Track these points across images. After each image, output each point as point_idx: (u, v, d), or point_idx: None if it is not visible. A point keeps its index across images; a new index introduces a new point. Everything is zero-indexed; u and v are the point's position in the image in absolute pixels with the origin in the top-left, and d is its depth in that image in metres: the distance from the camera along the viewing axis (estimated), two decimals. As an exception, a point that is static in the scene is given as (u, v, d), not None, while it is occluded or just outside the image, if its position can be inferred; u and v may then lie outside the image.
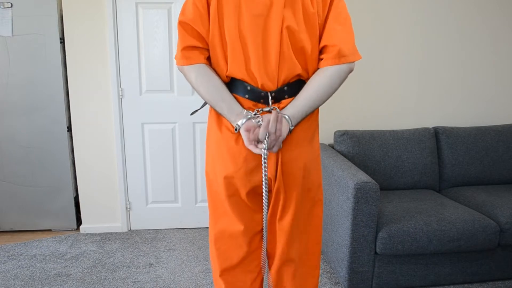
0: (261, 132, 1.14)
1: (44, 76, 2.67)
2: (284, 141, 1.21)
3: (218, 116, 1.28)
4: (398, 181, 2.51)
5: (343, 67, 1.18)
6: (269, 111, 1.20)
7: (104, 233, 2.86)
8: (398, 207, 2.17)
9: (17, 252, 2.55)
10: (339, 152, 2.51)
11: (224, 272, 1.36)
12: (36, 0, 2.57)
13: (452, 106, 2.89)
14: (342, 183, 2.03)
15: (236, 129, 1.18)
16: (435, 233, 1.99)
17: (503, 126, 2.68)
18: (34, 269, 2.34)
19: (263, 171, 1.18)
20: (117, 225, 2.89)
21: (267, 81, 1.19)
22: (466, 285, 2.16)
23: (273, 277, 1.39)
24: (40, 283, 2.19)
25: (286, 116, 1.17)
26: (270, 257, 1.40)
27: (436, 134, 2.62)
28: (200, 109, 1.46)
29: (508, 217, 2.08)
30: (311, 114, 1.26)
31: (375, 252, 2.02)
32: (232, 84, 1.24)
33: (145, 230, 2.93)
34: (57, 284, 2.17)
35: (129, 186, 2.87)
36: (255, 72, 1.19)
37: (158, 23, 2.67)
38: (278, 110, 1.19)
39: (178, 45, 1.23)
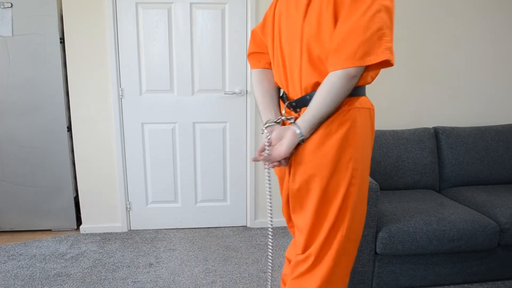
0: (259, 149, 1.29)
1: (44, 76, 2.67)
2: (296, 149, 1.26)
3: None
4: (398, 181, 2.51)
5: (337, 73, 1.14)
6: (286, 120, 1.29)
7: (104, 233, 2.86)
8: (398, 207, 2.17)
9: (17, 252, 2.55)
10: (339, 152, 2.50)
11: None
12: (36, 0, 2.57)
13: (452, 106, 2.89)
14: (342, 183, 2.02)
15: (261, 132, 1.36)
16: (435, 233, 1.99)
17: (503, 126, 2.68)
18: (34, 269, 2.34)
19: (266, 189, 1.34)
20: (117, 225, 2.89)
21: (293, 90, 1.28)
22: (466, 285, 2.16)
23: None
24: (40, 283, 2.19)
25: (297, 130, 1.21)
26: None
27: (436, 134, 2.62)
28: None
29: (508, 217, 2.08)
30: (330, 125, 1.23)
31: (375, 252, 2.02)
32: (281, 90, 1.40)
33: (145, 230, 2.93)
34: (57, 284, 2.17)
35: (129, 186, 2.87)
36: (288, 81, 1.29)
37: (158, 23, 2.67)
38: (293, 121, 1.26)
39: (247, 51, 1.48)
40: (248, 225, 2.99)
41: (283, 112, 1.32)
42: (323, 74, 1.21)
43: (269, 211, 1.27)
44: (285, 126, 1.25)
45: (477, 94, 2.89)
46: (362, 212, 1.31)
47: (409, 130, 2.60)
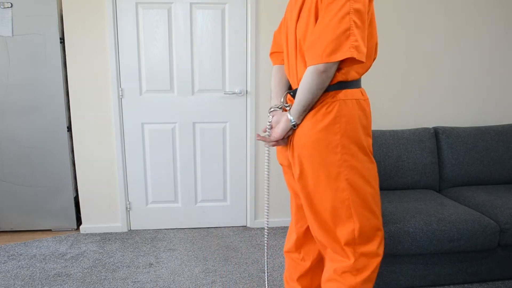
0: (262, 130, 1.51)
1: (44, 76, 2.67)
2: (293, 136, 1.44)
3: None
4: (398, 181, 2.51)
5: (309, 68, 1.30)
6: (284, 107, 1.50)
7: (104, 233, 2.86)
8: (398, 207, 2.17)
9: (17, 252, 2.55)
10: (339, 152, 2.51)
11: None
12: (36, 0, 2.57)
13: (452, 106, 2.89)
14: (342, 183, 2.03)
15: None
16: (435, 233, 1.99)
17: (503, 126, 2.68)
18: (34, 269, 2.34)
19: (265, 164, 1.58)
20: (117, 225, 2.89)
21: (293, 82, 1.47)
22: (466, 285, 2.16)
23: None
24: (40, 283, 2.19)
25: (289, 116, 1.40)
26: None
27: (436, 134, 2.62)
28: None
29: (508, 217, 2.08)
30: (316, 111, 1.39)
31: (375, 252, 2.02)
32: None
33: (145, 230, 2.93)
34: (57, 284, 2.17)
35: (129, 186, 2.87)
36: (290, 74, 1.47)
37: (158, 23, 2.67)
38: (288, 107, 1.48)
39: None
40: (248, 225, 2.99)
41: (282, 100, 1.51)
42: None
43: (266, 205, 1.48)
44: (283, 112, 1.47)
45: (477, 94, 2.89)
46: (368, 194, 1.40)
47: (409, 130, 2.60)
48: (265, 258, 1.66)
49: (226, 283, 2.20)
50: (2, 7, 2.56)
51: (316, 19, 1.29)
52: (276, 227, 2.98)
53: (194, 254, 2.54)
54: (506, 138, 2.62)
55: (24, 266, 2.37)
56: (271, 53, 1.62)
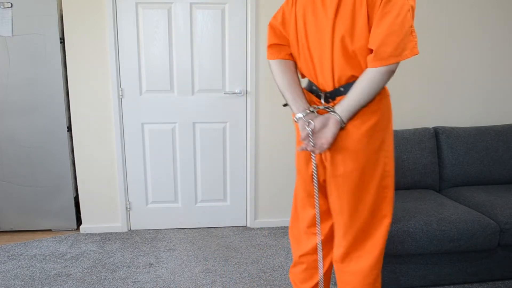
0: (302, 138, 1.37)
1: (44, 76, 2.67)
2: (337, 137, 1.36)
3: None
4: (398, 181, 2.51)
5: (380, 69, 1.25)
6: (324, 109, 1.37)
7: (104, 233, 2.86)
8: (398, 207, 2.17)
9: (17, 252, 2.55)
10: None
11: None
12: (36, 0, 2.57)
13: (452, 106, 2.89)
14: (342, 183, 2.03)
15: (295, 120, 1.39)
16: (435, 233, 1.99)
17: (503, 126, 2.68)
18: (34, 269, 2.34)
19: (313, 170, 1.45)
20: (117, 225, 2.89)
21: (324, 82, 1.38)
22: (466, 285, 2.16)
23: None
24: (40, 283, 2.19)
25: (338, 118, 1.31)
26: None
27: (436, 134, 2.62)
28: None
29: (508, 217, 2.08)
30: (366, 113, 1.35)
31: (375, 252, 2.02)
32: (305, 81, 1.49)
33: (145, 230, 2.93)
34: (57, 284, 2.17)
35: (129, 186, 2.87)
36: (317, 73, 1.39)
37: (158, 23, 2.67)
38: (332, 109, 1.34)
39: (266, 43, 1.52)
40: (248, 225, 2.99)
41: (322, 101, 1.40)
42: (356, 67, 1.32)
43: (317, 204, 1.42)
44: (326, 115, 1.34)
45: (477, 94, 2.89)
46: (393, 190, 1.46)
47: (409, 130, 2.60)
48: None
49: (226, 283, 2.20)
50: (2, 7, 2.56)
51: (368, 16, 1.25)
52: (276, 227, 2.98)
53: (194, 254, 2.54)
54: (506, 138, 2.62)
55: (24, 266, 2.37)
56: (271, 45, 1.49)
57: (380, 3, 1.22)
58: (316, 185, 1.45)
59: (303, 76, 1.50)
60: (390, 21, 1.21)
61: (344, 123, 1.32)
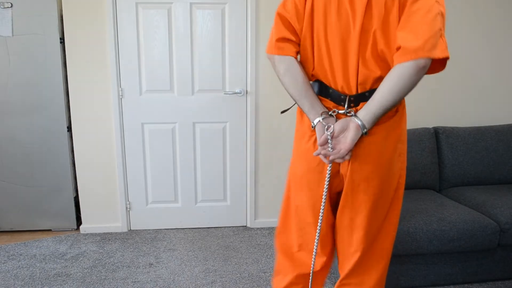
0: (320, 143, 1.24)
1: (44, 76, 2.67)
2: (356, 146, 1.24)
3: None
4: (398, 181, 2.51)
5: (409, 64, 1.12)
6: (345, 114, 1.25)
7: (104, 233, 2.86)
8: (398, 207, 2.17)
9: (17, 252, 2.55)
10: (339, 152, 2.51)
11: None
12: (36, 0, 2.57)
13: (452, 106, 2.89)
14: (342, 183, 2.03)
15: (312, 126, 1.27)
16: (435, 233, 1.99)
17: (503, 126, 2.68)
18: (34, 269, 2.34)
19: (325, 181, 1.30)
20: (117, 225, 2.89)
21: (347, 85, 1.25)
22: (466, 285, 2.16)
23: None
24: (40, 283, 2.19)
25: (359, 122, 1.19)
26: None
27: (436, 134, 2.62)
28: (290, 108, 1.53)
29: (508, 217, 2.08)
30: (392, 117, 1.27)
31: (375, 252, 2.02)
32: (316, 84, 1.32)
33: (145, 230, 2.93)
34: (57, 284, 2.17)
35: (129, 186, 2.87)
36: (336, 75, 1.26)
37: (158, 23, 2.67)
38: (353, 113, 1.22)
39: (273, 34, 1.30)
40: (248, 225, 2.99)
41: (345, 105, 1.27)
42: (383, 68, 1.22)
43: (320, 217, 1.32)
44: (347, 118, 1.22)
45: (477, 94, 2.89)
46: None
47: (409, 130, 2.59)
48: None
49: (226, 283, 2.20)
50: (2, 7, 2.56)
51: (399, 14, 1.17)
52: (276, 227, 2.98)
53: (194, 254, 2.54)
54: (506, 138, 2.62)
55: (24, 266, 2.37)
56: (281, 38, 1.29)
57: (411, 1, 1.15)
58: (325, 195, 1.31)
59: (313, 79, 1.35)
60: (420, 16, 1.13)
61: (366, 129, 1.20)
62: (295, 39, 1.29)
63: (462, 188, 2.52)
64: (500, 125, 2.69)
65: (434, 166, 2.55)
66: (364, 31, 1.20)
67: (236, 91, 2.79)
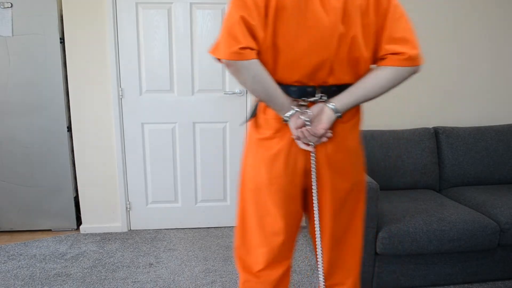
0: (298, 125, 1.24)
1: (44, 76, 2.67)
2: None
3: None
4: (398, 181, 2.51)
5: (408, 69, 1.20)
6: (315, 102, 1.25)
7: (104, 233, 2.86)
8: (398, 207, 2.17)
9: (17, 252, 2.55)
10: (339, 152, 2.51)
11: None
12: (36, 0, 2.57)
13: (452, 106, 2.89)
14: (342, 183, 2.03)
15: (284, 120, 1.25)
16: (435, 233, 1.99)
17: (503, 126, 2.68)
18: (34, 269, 2.34)
19: (312, 169, 1.29)
20: (117, 225, 2.89)
21: (315, 84, 1.26)
22: (466, 285, 2.16)
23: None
24: (40, 283, 2.19)
25: (332, 106, 1.23)
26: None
27: (436, 134, 2.62)
28: (251, 118, 1.39)
29: (508, 217, 2.08)
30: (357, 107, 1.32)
31: (375, 252, 2.02)
32: (282, 87, 1.26)
33: (145, 230, 2.93)
34: (57, 284, 2.17)
35: (129, 186, 2.87)
36: (305, 79, 1.24)
37: (158, 23, 2.67)
38: (323, 98, 1.24)
39: (234, 39, 1.15)
40: (248, 225, 2.99)
41: (316, 95, 1.26)
42: (356, 76, 1.25)
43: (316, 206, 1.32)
44: (319, 104, 1.25)
45: (477, 94, 2.89)
46: None
47: (409, 130, 2.60)
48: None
49: (226, 283, 2.20)
50: (2, 7, 2.56)
51: (380, 16, 1.21)
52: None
53: (194, 254, 2.54)
54: (506, 138, 2.62)
55: (24, 266, 2.37)
56: (246, 48, 1.16)
57: (389, 8, 1.19)
58: (315, 182, 1.29)
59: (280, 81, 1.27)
60: (406, 25, 1.20)
61: (340, 112, 1.23)
62: (255, 43, 1.19)
63: (462, 188, 2.52)
64: (500, 125, 2.69)
65: (434, 166, 2.55)
66: (341, 37, 1.19)
67: (236, 91, 2.79)
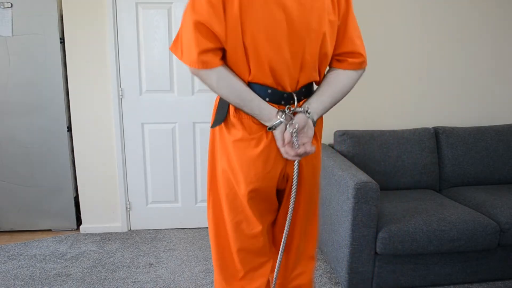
0: (287, 141, 1.19)
1: (44, 76, 2.67)
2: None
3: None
4: (398, 181, 2.51)
5: (360, 72, 1.29)
6: (302, 111, 1.20)
7: (104, 233, 2.86)
8: (398, 207, 2.17)
9: (17, 252, 2.55)
10: (339, 152, 2.51)
11: None
12: (36, 0, 2.57)
13: (452, 106, 2.89)
14: (342, 183, 2.03)
15: (270, 128, 1.19)
16: (435, 233, 1.99)
17: (503, 126, 2.68)
18: (34, 269, 2.34)
19: (294, 174, 1.27)
20: (117, 225, 2.89)
21: (288, 85, 1.21)
22: (466, 285, 2.16)
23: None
24: (40, 283, 2.19)
25: (312, 119, 1.23)
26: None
27: (436, 134, 2.62)
28: (222, 122, 1.31)
29: (508, 217, 2.08)
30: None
31: (375, 252, 2.02)
32: (251, 87, 1.20)
33: (145, 230, 2.93)
34: (57, 284, 2.18)
35: (129, 186, 2.87)
36: (279, 76, 1.19)
37: (158, 23, 2.67)
38: (305, 108, 1.21)
39: (192, 47, 1.11)
40: (248, 225, 2.99)
41: (295, 102, 1.23)
42: (321, 71, 1.29)
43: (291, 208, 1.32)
44: (301, 115, 1.19)
45: (477, 94, 2.89)
46: None
47: (409, 130, 2.60)
48: None
49: (226, 283, 2.20)
50: (2, 7, 2.56)
51: (342, 16, 1.25)
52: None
53: (194, 254, 2.54)
54: (506, 138, 2.62)
55: (24, 266, 2.37)
56: (203, 51, 1.11)
57: (349, 10, 1.25)
58: (295, 187, 1.28)
59: (250, 81, 1.23)
60: (355, 24, 1.28)
61: (315, 122, 1.24)
62: (217, 46, 1.13)
63: (462, 188, 2.52)
64: (500, 125, 2.69)
65: (434, 166, 2.55)
66: (312, 33, 1.17)
67: (236, 91, 2.79)
